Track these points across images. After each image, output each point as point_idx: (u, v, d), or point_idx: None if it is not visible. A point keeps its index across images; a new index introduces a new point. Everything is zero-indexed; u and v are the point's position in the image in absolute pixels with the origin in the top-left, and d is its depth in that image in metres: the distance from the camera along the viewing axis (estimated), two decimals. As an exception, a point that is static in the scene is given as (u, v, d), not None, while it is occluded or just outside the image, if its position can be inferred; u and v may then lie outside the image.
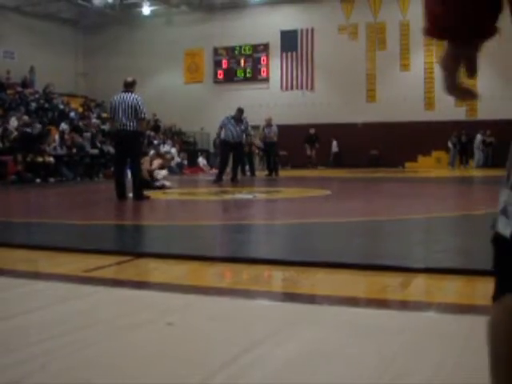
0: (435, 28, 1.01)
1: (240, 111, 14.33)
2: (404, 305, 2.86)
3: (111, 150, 16.73)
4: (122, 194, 8.94)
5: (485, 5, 0.96)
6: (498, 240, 0.94)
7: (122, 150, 9.03)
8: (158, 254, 4.11)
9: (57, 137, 18.39)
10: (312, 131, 24.85)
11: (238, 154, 14.57)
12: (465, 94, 1.08)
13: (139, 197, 8.91)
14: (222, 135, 14.29)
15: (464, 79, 1.04)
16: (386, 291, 3.13)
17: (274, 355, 2.08)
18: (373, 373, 1.91)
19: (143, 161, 11.99)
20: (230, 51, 29.16)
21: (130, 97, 8.90)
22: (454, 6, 0.97)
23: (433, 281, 3.28)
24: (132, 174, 9.24)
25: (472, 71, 1.03)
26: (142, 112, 8.86)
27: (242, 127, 14.25)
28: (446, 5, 0.97)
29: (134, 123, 8.81)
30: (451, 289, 3.14)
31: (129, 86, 9.07)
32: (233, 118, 14.24)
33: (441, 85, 1.05)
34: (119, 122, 8.84)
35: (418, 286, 3.24)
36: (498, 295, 0.93)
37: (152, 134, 25.32)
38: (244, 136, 14.56)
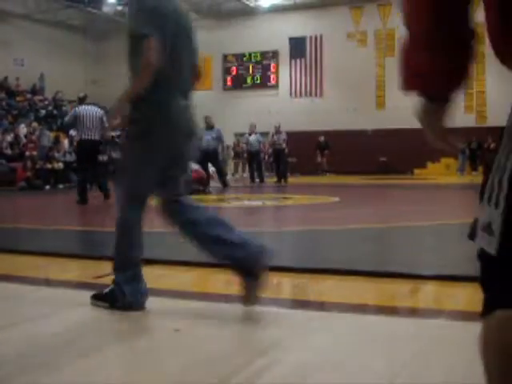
0: (411, 76, 1.01)
1: (207, 118, 15.01)
2: (414, 312, 2.85)
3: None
4: (86, 200, 9.80)
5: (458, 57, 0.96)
6: (484, 256, 0.93)
7: (88, 158, 9.92)
8: (166, 260, 4.10)
9: (66, 142, 18.46)
10: (321, 139, 24.80)
11: (215, 160, 15.19)
12: (449, 147, 1.09)
13: (109, 195, 9.98)
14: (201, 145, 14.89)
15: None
16: (396, 298, 3.12)
17: (284, 362, 2.07)
18: (383, 379, 1.90)
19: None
20: (239, 58, 29.19)
21: (93, 109, 9.93)
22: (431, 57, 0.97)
23: (442, 288, 3.27)
24: (96, 177, 10.64)
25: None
26: (105, 122, 9.64)
27: (214, 135, 14.76)
28: (422, 56, 0.97)
29: (98, 133, 9.81)
30: (461, 296, 3.12)
31: (83, 100, 10.28)
32: (206, 128, 14.86)
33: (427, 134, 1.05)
34: (84, 132, 9.74)
35: (428, 293, 3.23)
36: (487, 311, 0.91)
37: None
38: (218, 143, 14.98)
